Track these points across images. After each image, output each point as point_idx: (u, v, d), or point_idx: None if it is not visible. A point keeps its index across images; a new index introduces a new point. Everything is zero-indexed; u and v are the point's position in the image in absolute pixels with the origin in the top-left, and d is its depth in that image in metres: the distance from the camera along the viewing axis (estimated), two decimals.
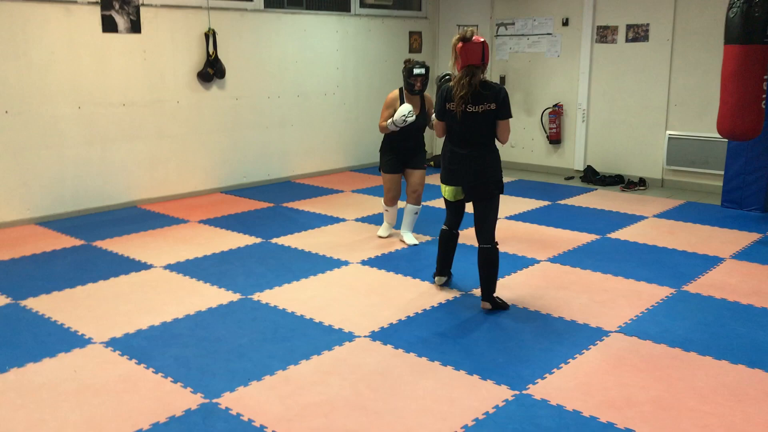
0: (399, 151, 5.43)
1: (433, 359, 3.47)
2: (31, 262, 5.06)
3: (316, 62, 8.09)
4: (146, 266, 4.95)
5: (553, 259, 5.08)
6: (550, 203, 6.93)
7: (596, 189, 7.68)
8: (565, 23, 8.28)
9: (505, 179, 8.19)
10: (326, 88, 8.30)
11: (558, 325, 3.90)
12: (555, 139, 8.51)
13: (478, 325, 3.91)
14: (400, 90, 5.42)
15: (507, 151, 9.02)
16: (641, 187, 7.70)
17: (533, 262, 5.02)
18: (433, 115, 4.29)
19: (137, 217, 6.30)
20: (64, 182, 6.21)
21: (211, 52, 6.96)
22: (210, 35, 6.94)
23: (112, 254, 5.23)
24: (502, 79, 8.93)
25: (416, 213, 5.53)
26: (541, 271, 4.83)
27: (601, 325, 3.89)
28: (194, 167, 7.14)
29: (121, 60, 6.41)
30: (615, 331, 3.81)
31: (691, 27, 7.37)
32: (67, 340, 3.72)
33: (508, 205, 6.82)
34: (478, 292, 4.41)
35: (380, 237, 5.69)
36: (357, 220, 6.23)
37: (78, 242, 5.53)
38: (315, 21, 8.01)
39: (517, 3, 8.65)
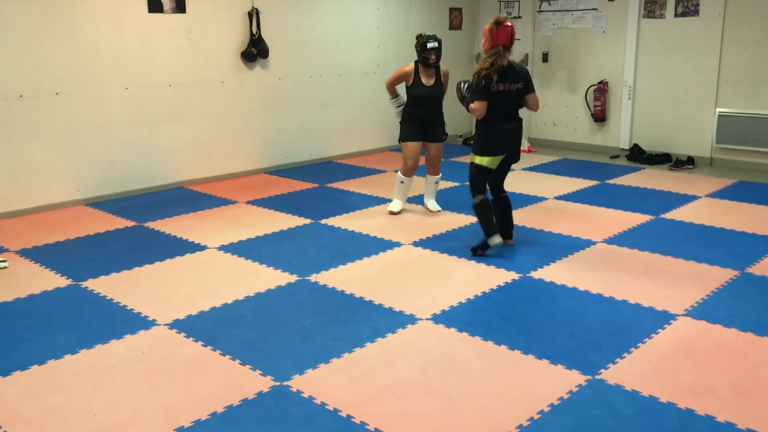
0: (419, 119, 5.56)
1: (500, 343, 3.44)
2: (86, 243, 5.10)
3: (357, 41, 8.00)
4: (200, 247, 4.96)
5: (610, 241, 5.00)
6: (598, 182, 6.81)
7: (644, 168, 7.53)
8: None
9: (549, 158, 8.10)
10: (367, 67, 8.22)
11: (623, 308, 3.84)
12: (600, 117, 8.36)
13: (541, 308, 3.86)
14: (416, 63, 5.54)
15: (550, 130, 8.89)
16: (690, 166, 7.54)
17: (589, 243, 4.94)
18: (472, 104, 4.57)
19: (185, 198, 6.32)
20: (112, 163, 6.24)
21: (254, 32, 6.91)
22: (254, 14, 6.88)
23: (165, 235, 5.25)
24: (545, 55, 8.77)
25: (437, 182, 5.81)
26: (599, 252, 4.76)
27: (667, 308, 3.82)
28: (238, 148, 7.14)
29: (166, 40, 6.39)
30: (682, 315, 3.74)
31: (745, 1, 7.14)
32: (131, 321, 3.74)
33: (556, 184, 6.72)
34: (536, 274, 4.35)
35: (392, 213, 5.72)
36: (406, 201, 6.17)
37: (129, 223, 5.56)
38: None
39: None
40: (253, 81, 7.10)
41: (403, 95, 5.67)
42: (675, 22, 7.66)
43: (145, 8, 6.20)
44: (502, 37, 4.42)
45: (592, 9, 8.26)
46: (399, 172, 5.71)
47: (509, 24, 4.43)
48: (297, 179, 7.02)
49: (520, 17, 8.93)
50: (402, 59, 8.53)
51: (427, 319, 3.73)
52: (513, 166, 6.82)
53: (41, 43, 5.66)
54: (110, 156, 6.22)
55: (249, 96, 7.12)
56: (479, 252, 4.69)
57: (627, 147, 8.21)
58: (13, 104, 5.59)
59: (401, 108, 5.62)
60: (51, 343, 3.51)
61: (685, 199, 6.14)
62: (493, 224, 4.69)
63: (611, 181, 6.88)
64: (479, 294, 4.05)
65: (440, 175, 5.81)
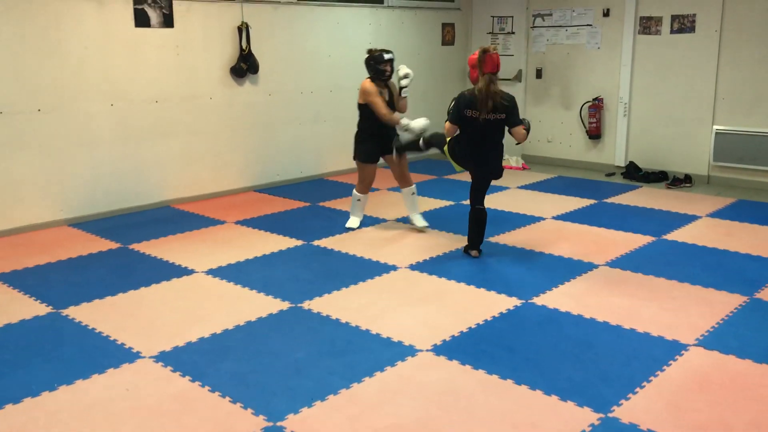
0: (378, 139, 5.48)
1: (505, 377, 3.26)
2: (68, 266, 4.89)
3: (348, 56, 7.85)
4: (187, 271, 4.76)
5: (612, 263, 4.84)
6: (596, 201, 6.67)
7: (640, 186, 7.41)
8: (606, 14, 7.99)
9: (544, 175, 7.96)
10: (359, 83, 8.00)
11: (631, 337, 3.67)
12: (595, 133, 8.25)
13: (546, 338, 3.69)
14: (370, 79, 5.47)
15: (544, 147, 8.77)
16: (687, 184, 7.43)
17: (591, 266, 4.79)
18: (447, 123, 4.82)
19: (172, 218, 6.12)
20: (97, 182, 6.03)
21: (244, 47, 6.75)
22: (243, 29, 6.72)
23: (150, 258, 5.05)
24: (539, 71, 8.66)
25: (413, 193, 5.66)
26: (602, 276, 4.60)
27: (677, 337, 3.66)
28: (227, 165, 6.95)
29: (153, 55, 6.21)
30: (694, 345, 3.58)
31: (742, 18, 7.07)
32: (114, 353, 3.53)
33: (553, 203, 6.58)
34: (539, 300, 4.18)
35: (351, 228, 5.64)
36: (398, 220, 6.02)
37: (114, 245, 5.35)
38: (348, 13, 7.78)
39: None
40: (242, 97, 6.93)
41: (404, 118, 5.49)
42: (671, 39, 7.57)
43: (132, 22, 6.02)
44: (489, 65, 4.58)
45: (587, 25, 8.16)
46: (355, 191, 5.64)
47: (496, 53, 4.64)
48: (288, 197, 6.84)
49: (513, 33, 8.83)
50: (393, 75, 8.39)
51: (427, 350, 3.54)
52: (506, 184, 7.28)
53: (24, 57, 5.46)
54: (94, 174, 6.01)
55: (238, 112, 6.94)
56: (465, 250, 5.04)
57: (623, 164, 8.10)
58: None
59: (424, 127, 5.39)
60: (28, 378, 3.29)
61: (686, 219, 6.01)
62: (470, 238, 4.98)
63: (609, 200, 6.74)
64: (481, 322, 3.88)
65: (414, 185, 5.68)
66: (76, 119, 5.82)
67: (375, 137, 5.49)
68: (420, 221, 5.66)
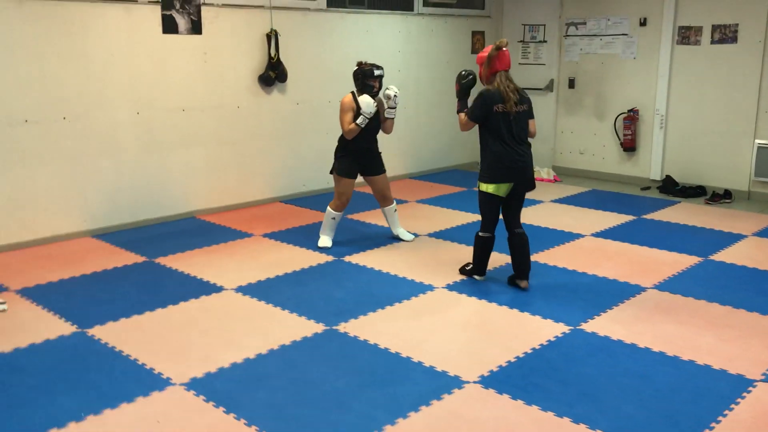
0: (359, 155, 5.31)
1: (561, 414, 3.04)
2: (92, 281, 4.72)
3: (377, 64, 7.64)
4: (216, 288, 4.57)
5: (660, 286, 4.60)
6: (635, 217, 6.43)
7: (679, 201, 7.15)
8: (643, 23, 7.74)
9: (577, 189, 7.72)
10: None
11: (692, 370, 3.44)
12: (629, 146, 7.99)
13: (600, 369, 3.46)
14: (352, 93, 5.23)
15: (576, 159, 8.53)
16: (727, 200, 7.16)
17: (639, 289, 4.55)
18: (462, 115, 4.54)
19: (197, 230, 5.94)
20: (121, 192, 5.87)
21: (273, 55, 6.57)
22: (272, 36, 6.55)
23: (177, 273, 4.87)
24: (572, 81, 8.43)
25: (395, 210, 5.58)
26: (652, 301, 4.36)
27: (741, 372, 3.42)
28: (253, 175, 6.77)
29: (181, 62, 6.05)
30: (761, 381, 3.34)
31: None
32: (143, 380, 3.35)
33: (590, 218, 6.34)
34: (588, 327, 3.96)
35: (323, 247, 5.38)
36: (430, 235, 5.81)
37: (139, 258, 5.18)
38: (378, 21, 7.59)
39: (589, 2, 8.14)
40: (270, 106, 6.75)
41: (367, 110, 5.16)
42: (711, 50, 7.31)
43: (160, 29, 5.87)
44: (504, 62, 4.37)
45: (623, 34, 7.92)
46: (330, 208, 5.39)
47: (507, 49, 4.38)
48: (315, 209, 6.65)
49: (545, 42, 8.61)
50: (422, 83, 8.22)
51: (474, 381, 3.33)
52: (539, 197, 7.08)
53: (49, 64, 5.32)
54: (119, 184, 5.85)
55: (265, 121, 6.76)
56: (465, 274, 4.76)
57: (658, 178, 7.84)
58: (18, 129, 5.23)
59: (372, 109, 5.13)
60: (53, 406, 3.11)
61: (731, 238, 5.75)
62: (484, 264, 4.68)
63: (648, 216, 6.49)
64: (528, 350, 3.65)
65: (395, 202, 5.58)
66: (101, 128, 5.67)
67: (355, 153, 5.28)
68: (407, 235, 5.62)
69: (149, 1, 5.76)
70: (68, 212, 5.60)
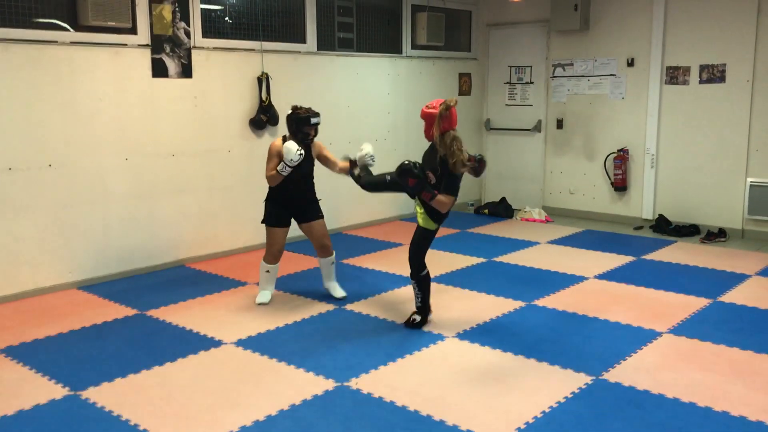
0: (290, 203, 4.97)
1: None
2: (82, 337, 4.44)
3: (367, 106, 7.59)
4: (215, 342, 4.33)
5: (676, 330, 4.48)
6: (634, 258, 6.34)
7: (674, 241, 7.10)
8: (631, 64, 7.79)
9: (571, 229, 7.64)
10: (378, 134, 7.79)
11: (727, 422, 3.29)
12: (620, 185, 7.97)
13: (633, 424, 3.29)
14: (284, 138, 4.85)
15: (567, 198, 8.48)
16: (722, 239, 7.13)
17: (654, 334, 4.42)
18: (441, 197, 4.31)
19: (189, 279, 5.70)
20: (108, 241, 5.62)
21: (264, 98, 6.44)
22: (263, 80, 6.42)
23: (171, 326, 4.62)
24: (560, 122, 8.42)
25: (332, 263, 5.18)
26: (670, 346, 4.23)
27: None
28: (245, 221, 6.57)
29: (171, 107, 5.88)
30: None
31: None
32: None
33: (590, 260, 6.24)
34: (611, 376, 3.80)
35: (261, 304, 5.02)
36: (432, 280, 5.62)
37: (130, 311, 4.92)
38: (367, 63, 7.53)
39: (576, 43, 8.18)
40: (262, 149, 6.58)
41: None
42: (700, 89, 7.36)
43: (149, 72, 5.71)
44: (454, 121, 4.36)
45: (611, 75, 7.96)
46: (263, 260, 5.05)
47: (455, 107, 4.37)
48: (309, 254, 6.45)
49: (532, 83, 8.62)
50: (412, 125, 8.13)
51: None
52: (534, 239, 7.21)
53: (35, 109, 5.11)
54: (106, 233, 5.60)
55: (257, 166, 6.57)
56: (416, 324, 4.55)
57: (651, 217, 7.81)
58: (1, 177, 4.99)
59: (298, 154, 4.66)
60: None
61: (735, 278, 5.68)
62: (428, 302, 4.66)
63: (647, 257, 6.41)
64: (555, 405, 3.48)
65: (334, 254, 5.18)
66: (88, 175, 5.45)
67: (286, 201, 4.94)
68: (339, 291, 5.16)
69: (139, 45, 5.61)
70: (52, 263, 5.33)
